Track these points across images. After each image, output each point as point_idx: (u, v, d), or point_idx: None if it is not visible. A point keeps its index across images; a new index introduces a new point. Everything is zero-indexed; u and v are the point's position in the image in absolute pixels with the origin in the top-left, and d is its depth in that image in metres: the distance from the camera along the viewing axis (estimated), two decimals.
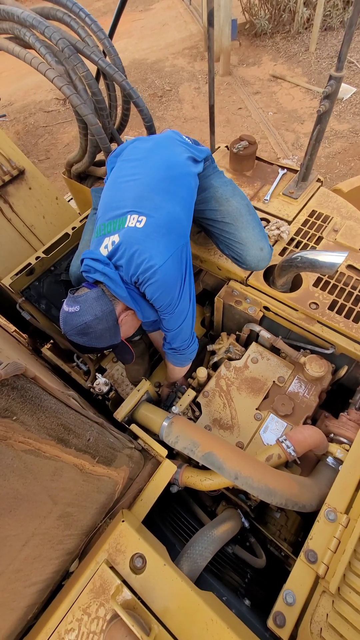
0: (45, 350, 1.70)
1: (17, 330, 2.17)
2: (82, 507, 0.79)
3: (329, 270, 1.10)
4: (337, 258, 1.08)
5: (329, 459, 1.09)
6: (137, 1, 8.32)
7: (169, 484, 1.09)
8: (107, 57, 1.27)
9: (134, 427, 1.10)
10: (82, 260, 1.08)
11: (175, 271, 1.02)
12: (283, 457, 1.05)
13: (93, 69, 1.29)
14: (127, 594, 0.76)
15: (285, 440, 1.05)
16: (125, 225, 1.02)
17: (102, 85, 1.44)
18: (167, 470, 1.01)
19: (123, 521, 0.86)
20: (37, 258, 1.38)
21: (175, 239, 1.02)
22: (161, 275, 0.99)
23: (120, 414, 1.16)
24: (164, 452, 1.05)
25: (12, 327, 2.18)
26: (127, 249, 1.00)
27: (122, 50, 6.80)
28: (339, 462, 1.08)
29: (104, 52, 1.28)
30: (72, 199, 2.32)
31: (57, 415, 0.56)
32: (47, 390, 0.54)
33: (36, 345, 2.05)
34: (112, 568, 0.79)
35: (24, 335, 2.18)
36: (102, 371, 1.64)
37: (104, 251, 1.05)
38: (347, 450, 1.09)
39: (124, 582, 0.78)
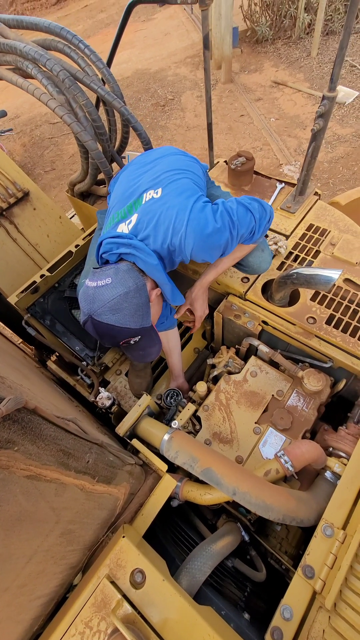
0: (51, 364, 1.75)
1: (24, 342, 2.24)
2: (83, 523, 0.83)
3: (324, 287, 1.12)
4: (332, 275, 1.10)
5: (327, 473, 1.11)
6: (139, 12, 8.47)
7: (170, 498, 1.12)
8: (106, 85, 1.32)
9: (135, 442, 1.13)
10: (99, 245, 1.04)
11: (204, 209, 0.97)
12: (281, 471, 1.07)
13: (92, 96, 1.34)
14: (127, 608, 0.79)
15: (283, 455, 1.07)
16: (143, 203, 1.01)
17: (101, 110, 1.49)
18: (167, 485, 1.04)
19: (124, 537, 0.89)
20: (41, 276, 1.44)
21: (193, 192, 1.01)
22: (194, 222, 0.94)
23: (122, 428, 1.19)
24: (164, 467, 1.08)
25: (18, 340, 2.25)
26: (151, 218, 0.97)
27: (126, 60, 6.92)
28: (337, 476, 1.09)
29: (102, 80, 1.34)
30: (75, 214, 2.38)
31: (57, 441, 0.60)
32: (47, 418, 0.58)
33: (42, 356, 2.11)
34: (113, 583, 0.82)
35: (30, 347, 2.25)
36: (105, 383, 1.68)
37: (123, 231, 1.02)
38: (345, 465, 1.10)
39: (124, 596, 0.81)
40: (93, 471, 0.74)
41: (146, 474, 1.14)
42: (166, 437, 1.14)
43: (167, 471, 1.06)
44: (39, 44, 1.23)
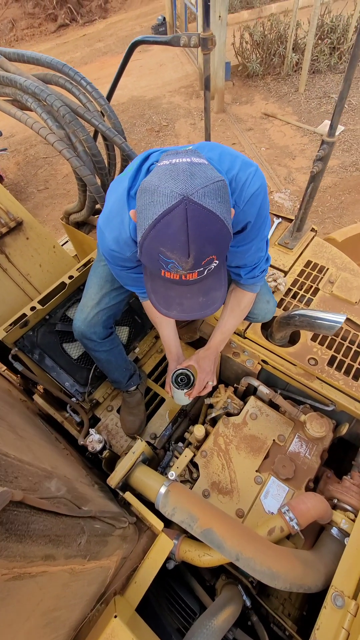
0: (37, 398, 1.65)
1: (8, 369, 2.12)
2: (70, 606, 0.73)
3: (327, 332, 1.09)
4: (337, 319, 1.08)
5: (334, 530, 1.04)
6: None
7: (165, 560, 1.03)
8: (107, 121, 1.31)
9: (128, 496, 1.04)
10: (145, 158, 0.83)
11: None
12: (286, 530, 1.00)
13: (92, 130, 1.33)
14: None
15: (287, 511, 1.00)
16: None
17: (100, 142, 1.48)
18: (164, 548, 0.95)
19: (115, 616, 0.79)
20: (32, 309, 1.36)
21: None
22: (260, 173, 0.83)
23: (114, 480, 1.10)
24: (160, 525, 0.99)
25: (2, 367, 2.13)
26: (212, 148, 0.83)
27: (122, 87, 7.13)
28: (344, 533, 1.03)
29: (102, 113, 1.33)
30: (67, 240, 2.34)
31: (46, 531, 0.52)
32: (36, 506, 0.50)
33: (28, 386, 1.99)
34: None
35: (15, 375, 2.13)
36: (95, 420, 1.58)
37: None
38: (353, 520, 1.04)
39: None
40: (85, 551, 0.66)
41: (139, 531, 1.04)
42: (162, 490, 1.05)
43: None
44: (39, 78, 1.22)
